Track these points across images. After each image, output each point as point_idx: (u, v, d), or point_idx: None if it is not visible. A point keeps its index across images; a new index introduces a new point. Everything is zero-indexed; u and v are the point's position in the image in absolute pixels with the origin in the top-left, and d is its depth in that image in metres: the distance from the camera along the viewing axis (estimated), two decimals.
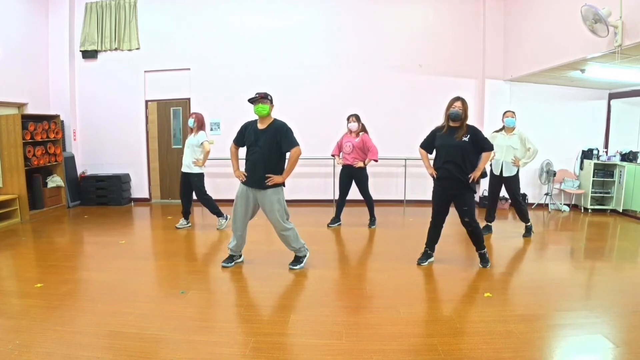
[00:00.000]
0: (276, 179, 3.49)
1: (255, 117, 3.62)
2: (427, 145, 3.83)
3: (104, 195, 7.08)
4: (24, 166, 5.78)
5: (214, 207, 5.29)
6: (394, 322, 2.75)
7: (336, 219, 5.48)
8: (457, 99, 3.61)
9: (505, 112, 4.91)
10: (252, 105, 3.55)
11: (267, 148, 3.51)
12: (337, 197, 5.52)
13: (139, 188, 7.43)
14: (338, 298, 3.26)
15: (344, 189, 5.32)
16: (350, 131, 5.20)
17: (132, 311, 2.89)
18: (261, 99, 3.50)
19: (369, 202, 5.39)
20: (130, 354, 2.34)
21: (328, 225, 5.44)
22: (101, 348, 2.41)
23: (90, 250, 4.72)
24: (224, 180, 6.60)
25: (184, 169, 5.17)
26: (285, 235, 3.66)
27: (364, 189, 5.28)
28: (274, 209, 3.56)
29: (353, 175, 5.22)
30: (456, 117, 3.57)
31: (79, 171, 7.26)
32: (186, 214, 5.38)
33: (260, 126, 3.58)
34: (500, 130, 4.92)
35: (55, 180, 6.46)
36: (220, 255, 4.06)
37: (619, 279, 3.69)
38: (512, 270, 3.92)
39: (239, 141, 3.72)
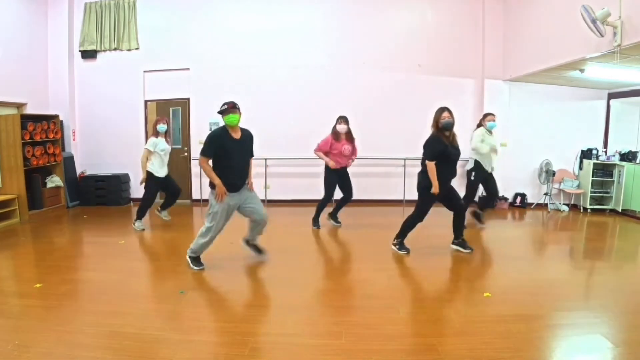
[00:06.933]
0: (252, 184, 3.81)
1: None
2: (440, 156, 3.85)
3: (103, 195, 7.06)
4: (23, 166, 5.77)
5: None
6: (393, 322, 2.76)
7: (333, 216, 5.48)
8: (444, 109, 3.85)
9: (487, 115, 5.13)
10: (231, 113, 3.43)
11: (247, 155, 3.68)
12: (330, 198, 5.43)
13: (138, 188, 7.36)
14: (338, 298, 3.25)
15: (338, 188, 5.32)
16: (339, 133, 5.09)
17: (132, 311, 2.89)
18: (231, 109, 3.42)
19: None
20: (130, 354, 2.34)
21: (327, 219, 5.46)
22: (101, 348, 2.41)
23: (90, 250, 4.72)
24: None
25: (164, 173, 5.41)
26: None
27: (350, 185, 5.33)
28: (259, 200, 3.85)
29: (344, 174, 5.25)
30: (449, 126, 3.83)
31: (78, 171, 7.25)
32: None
33: (234, 136, 3.53)
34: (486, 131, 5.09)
35: (55, 180, 6.45)
36: (220, 255, 4.05)
37: (619, 279, 3.70)
38: (512, 270, 3.92)
39: (210, 154, 3.49)
